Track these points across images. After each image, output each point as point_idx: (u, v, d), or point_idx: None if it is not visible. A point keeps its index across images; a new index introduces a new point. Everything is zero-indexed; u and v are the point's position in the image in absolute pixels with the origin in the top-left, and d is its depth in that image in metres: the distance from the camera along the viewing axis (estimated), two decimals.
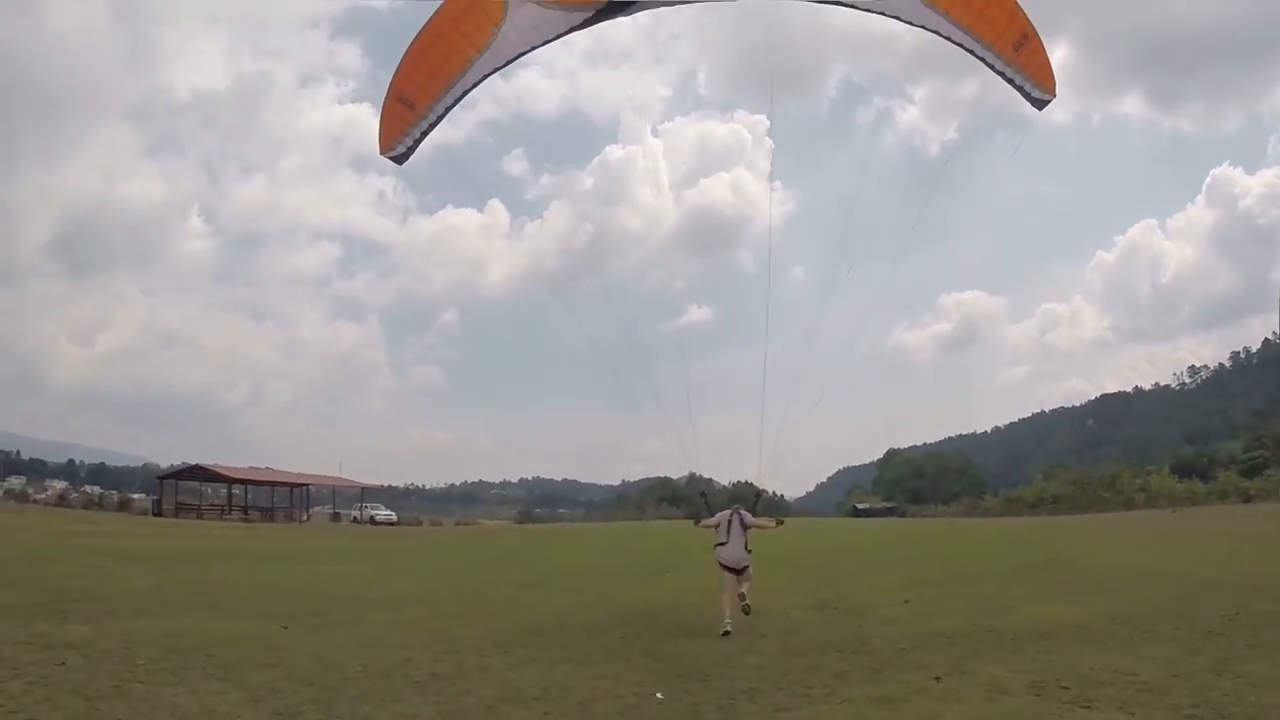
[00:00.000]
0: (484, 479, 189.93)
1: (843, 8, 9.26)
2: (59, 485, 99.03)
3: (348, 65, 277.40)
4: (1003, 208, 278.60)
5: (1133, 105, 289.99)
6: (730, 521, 11.13)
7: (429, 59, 9.01)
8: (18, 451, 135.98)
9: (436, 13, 8.91)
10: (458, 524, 76.99)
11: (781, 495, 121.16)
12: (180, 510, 59.34)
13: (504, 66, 9.26)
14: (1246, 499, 50.60)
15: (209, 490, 65.56)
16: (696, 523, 12.07)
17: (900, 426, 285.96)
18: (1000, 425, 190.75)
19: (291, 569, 19.42)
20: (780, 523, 12.26)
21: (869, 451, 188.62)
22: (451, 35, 8.91)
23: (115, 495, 73.03)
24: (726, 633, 10.58)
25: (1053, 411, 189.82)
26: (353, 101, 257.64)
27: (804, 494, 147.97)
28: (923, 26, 9.06)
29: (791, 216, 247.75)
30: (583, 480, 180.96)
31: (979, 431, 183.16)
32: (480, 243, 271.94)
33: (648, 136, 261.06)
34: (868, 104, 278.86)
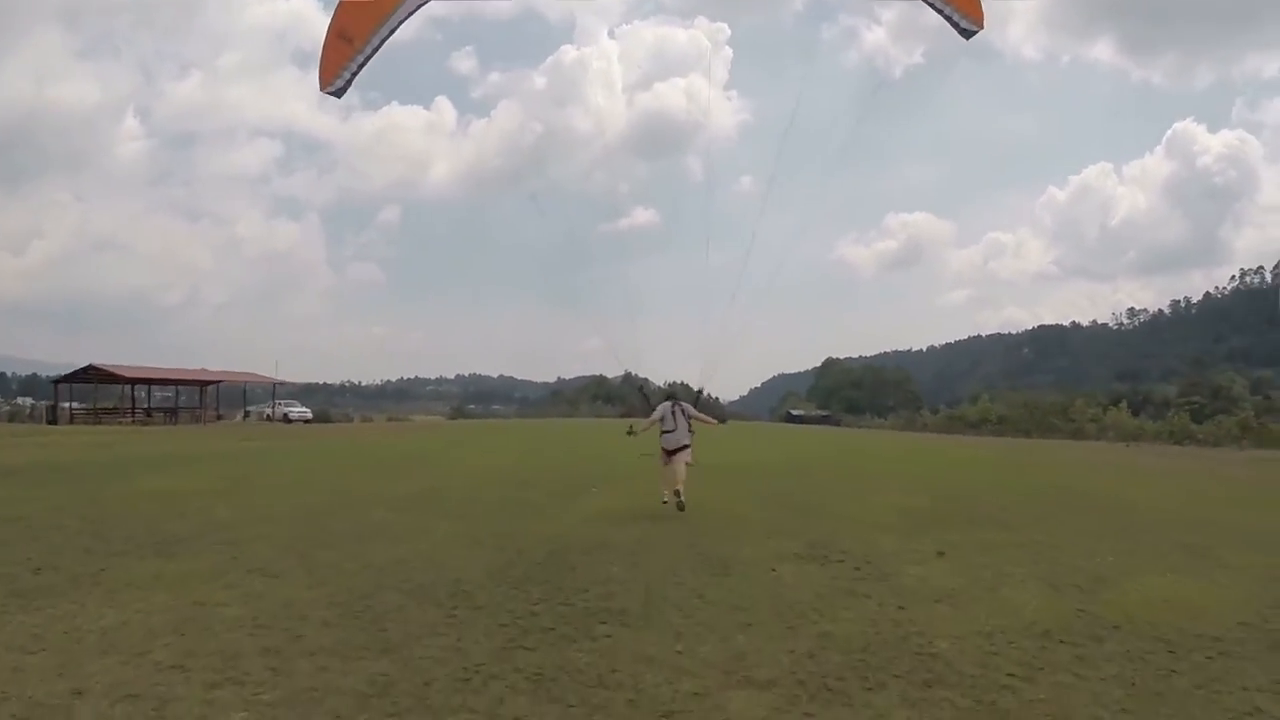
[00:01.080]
0: (420, 375, 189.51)
1: None
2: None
3: None
4: (960, 135, 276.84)
5: (1104, 51, 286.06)
6: (673, 413, 11.33)
7: None
8: None
9: None
10: (389, 420, 73.67)
11: (716, 398, 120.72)
12: (75, 416, 54.15)
13: None
14: (1196, 442, 49.22)
15: (120, 392, 59.45)
16: (631, 431, 11.88)
17: (838, 338, 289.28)
18: (936, 345, 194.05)
19: (113, 485, 14.52)
20: (723, 421, 12.13)
21: (805, 360, 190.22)
22: None
23: (43, 405, 66.36)
24: (665, 502, 11.30)
25: (989, 336, 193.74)
26: None
27: (738, 397, 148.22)
28: None
29: (746, 126, 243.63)
30: (519, 377, 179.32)
31: (915, 349, 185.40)
32: (425, 140, 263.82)
33: (604, 38, 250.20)
34: (833, 21, 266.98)
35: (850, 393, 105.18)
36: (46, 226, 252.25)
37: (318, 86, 9.41)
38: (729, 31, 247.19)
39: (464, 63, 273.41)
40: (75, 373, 55.71)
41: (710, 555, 8.52)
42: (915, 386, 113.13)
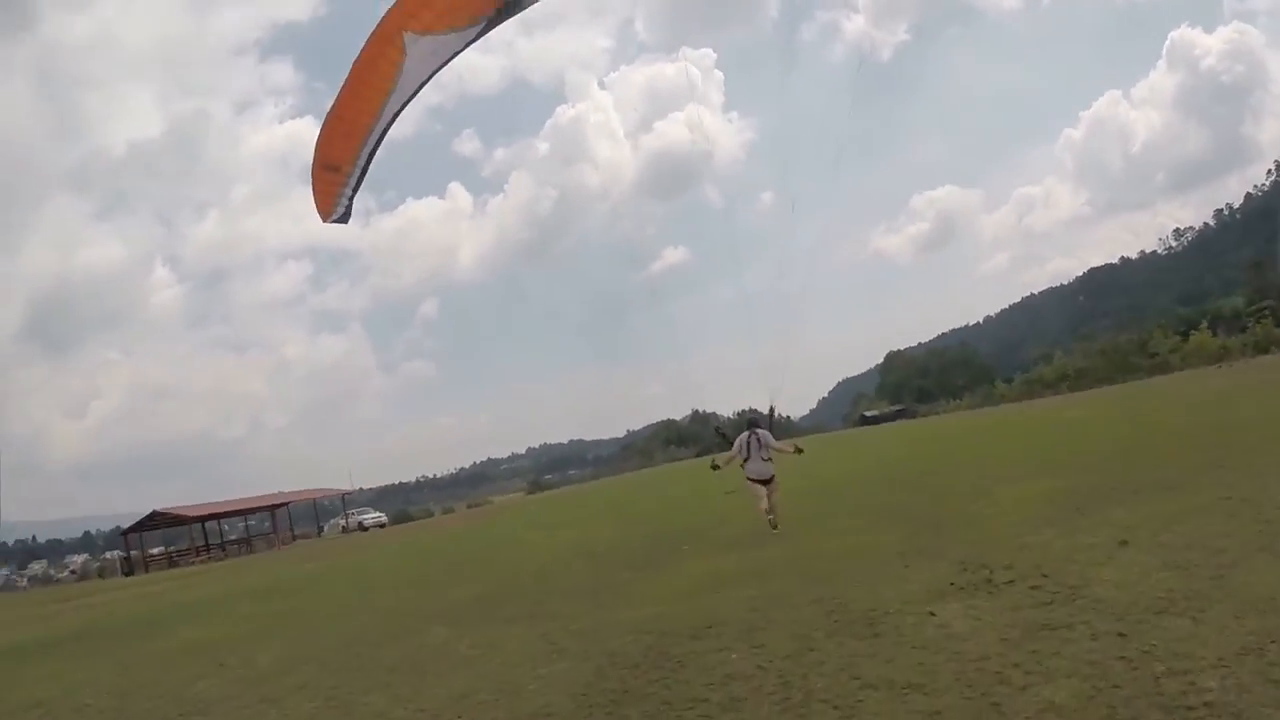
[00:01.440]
0: (492, 456, 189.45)
1: None
2: (79, 559, 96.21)
3: (282, 83, 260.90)
4: (964, 101, 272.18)
5: None
6: (749, 443, 10.95)
7: (344, 120, 9.12)
8: (33, 537, 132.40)
9: (345, 81, 8.96)
10: (469, 506, 71.93)
11: (787, 416, 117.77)
12: (150, 563, 52.78)
13: (412, 98, 9.24)
14: None
15: (189, 532, 58.34)
16: (714, 466, 11.52)
17: (892, 331, 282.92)
18: (991, 314, 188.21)
19: (149, 644, 13.38)
20: (799, 450, 11.48)
21: (865, 360, 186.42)
22: (361, 91, 8.98)
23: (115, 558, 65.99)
24: (775, 527, 11.09)
25: (1041, 293, 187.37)
26: (293, 117, 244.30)
27: (807, 412, 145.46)
28: None
29: (752, 144, 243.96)
30: (588, 438, 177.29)
31: (970, 324, 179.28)
32: (446, 228, 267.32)
33: (595, 90, 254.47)
34: (810, 19, 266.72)
35: (919, 382, 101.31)
36: (101, 386, 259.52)
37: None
38: (714, 55, 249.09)
39: (468, 145, 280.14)
40: (141, 521, 54.42)
41: (846, 609, 6.77)
42: (981, 360, 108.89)
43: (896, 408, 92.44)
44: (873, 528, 10.97)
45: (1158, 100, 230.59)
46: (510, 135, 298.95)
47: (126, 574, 50.84)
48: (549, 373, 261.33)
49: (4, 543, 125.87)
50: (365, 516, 60.33)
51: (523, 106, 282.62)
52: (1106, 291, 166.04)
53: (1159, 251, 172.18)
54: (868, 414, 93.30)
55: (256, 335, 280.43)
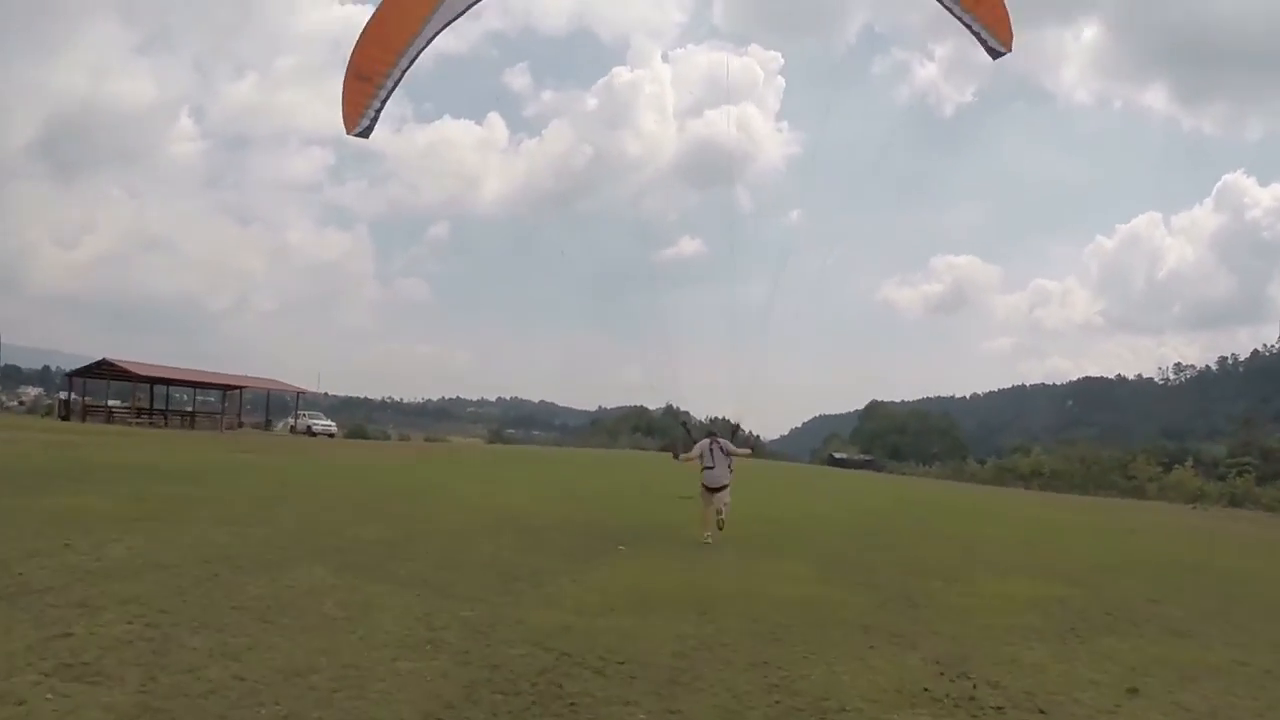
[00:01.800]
0: (462, 396, 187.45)
1: None
2: (33, 392, 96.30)
3: None
4: (1010, 177, 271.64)
5: (1156, 98, 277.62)
6: (711, 450, 11.67)
7: (383, 31, 9.02)
8: None
9: None
10: (426, 439, 70.88)
11: (758, 435, 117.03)
12: (88, 412, 51.19)
13: (454, 20, 9.21)
14: (1262, 507, 45.11)
15: (133, 390, 56.76)
16: (675, 456, 12.23)
17: (880, 381, 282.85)
18: (979, 393, 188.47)
19: (17, 499, 11.87)
20: (751, 450, 13.30)
21: (847, 402, 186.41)
22: (404, 4, 8.97)
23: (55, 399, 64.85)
24: (707, 542, 11.47)
25: (1033, 386, 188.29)
26: (354, 2, 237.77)
27: (778, 436, 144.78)
28: None
29: (794, 159, 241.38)
30: (559, 404, 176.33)
31: (958, 396, 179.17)
32: (476, 156, 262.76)
33: (657, 61, 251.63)
34: (886, 54, 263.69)
35: (895, 438, 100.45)
36: (98, 222, 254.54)
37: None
38: (781, 61, 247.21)
39: (518, 79, 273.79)
40: (88, 367, 52.43)
41: (793, 689, 5.42)
42: (961, 434, 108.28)
43: (865, 456, 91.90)
44: (834, 581, 9.65)
45: (1196, 234, 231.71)
46: (562, 80, 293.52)
47: (62, 418, 49.58)
48: (537, 328, 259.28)
49: None
50: (316, 421, 58.24)
51: (582, 57, 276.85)
52: (1096, 403, 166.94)
53: (1156, 379, 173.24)
54: (836, 455, 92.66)
55: (264, 212, 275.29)
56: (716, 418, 16.70)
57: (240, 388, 60.48)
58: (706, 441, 11.79)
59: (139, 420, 50.37)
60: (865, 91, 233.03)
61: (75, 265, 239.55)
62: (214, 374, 59.87)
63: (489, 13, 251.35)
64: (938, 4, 9.03)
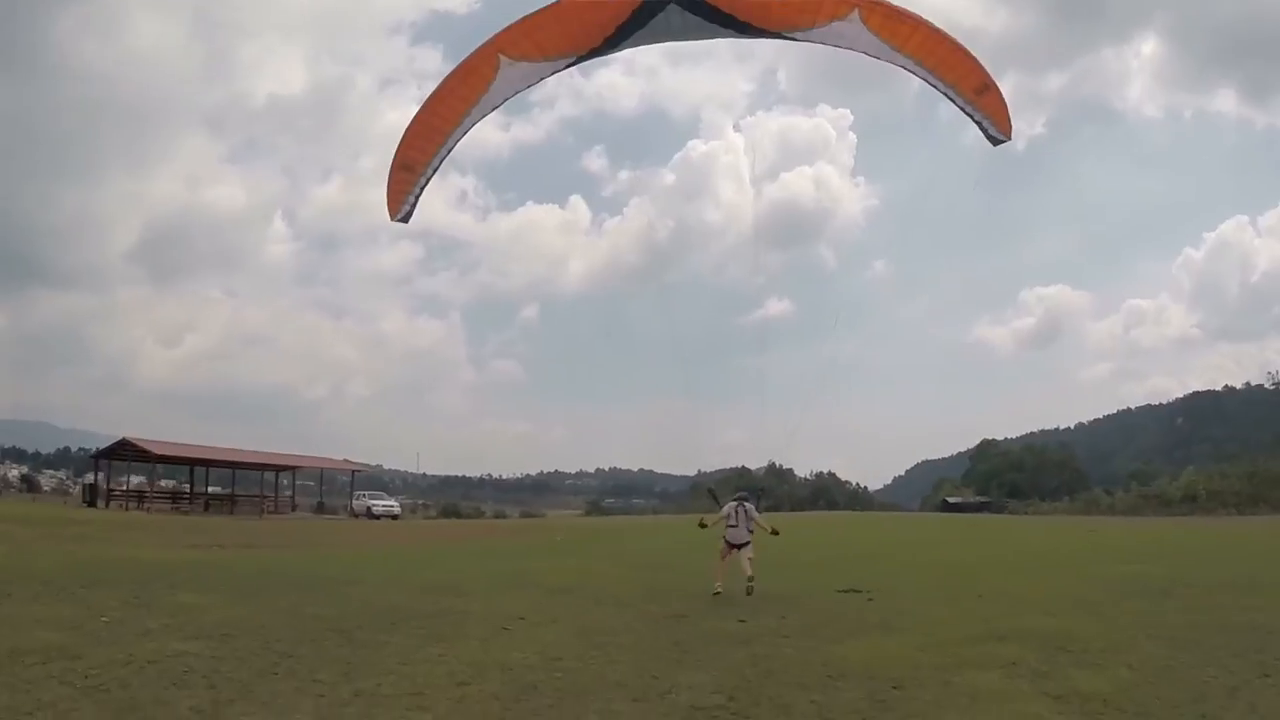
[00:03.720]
0: (560, 469, 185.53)
1: None
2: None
3: (428, 68, 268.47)
4: (1090, 202, 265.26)
5: (1225, 102, 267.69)
6: (736, 512, 12.52)
7: (427, 124, 9.72)
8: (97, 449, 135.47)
9: (435, 91, 9.77)
10: (522, 515, 69.59)
11: (865, 487, 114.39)
12: (112, 498, 48.38)
13: (491, 112, 9.97)
14: None
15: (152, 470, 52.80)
16: (703, 524, 12.92)
17: (980, 421, 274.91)
18: (1084, 421, 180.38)
19: None
20: (775, 532, 12.94)
21: (948, 445, 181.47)
22: (448, 100, 9.64)
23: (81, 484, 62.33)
24: (717, 593, 12.05)
25: (1139, 409, 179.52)
26: None
27: (881, 486, 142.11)
28: (890, 61, 9.53)
29: (873, 211, 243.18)
30: (658, 470, 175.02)
31: (1062, 427, 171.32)
32: (560, 239, 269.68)
33: (729, 131, 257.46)
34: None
35: (1012, 475, 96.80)
36: (199, 321, 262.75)
37: (387, 217, 10.26)
38: (851, 118, 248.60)
39: (595, 162, 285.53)
40: (111, 447, 48.84)
41: None
42: (1080, 465, 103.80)
43: (981, 499, 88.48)
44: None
45: None
46: (638, 160, 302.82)
47: (88, 503, 46.71)
48: (632, 399, 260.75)
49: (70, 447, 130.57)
50: (378, 502, 53.79)
51: (655, 134, 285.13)
52: (1207, 417, 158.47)
53: (1266, 386, 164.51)
54: (950, 500, 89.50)
55: (357, 304, 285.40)
56: (752, 487, 17.75)
57: (293, 468, 56.49)
58: (733, 504, 12.62)
59: (151, 505, 46.05)
60: (935, 138, 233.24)
61: (177, 361, 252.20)
62: (249, 453, 54.09)
63: (563, 100, 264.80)
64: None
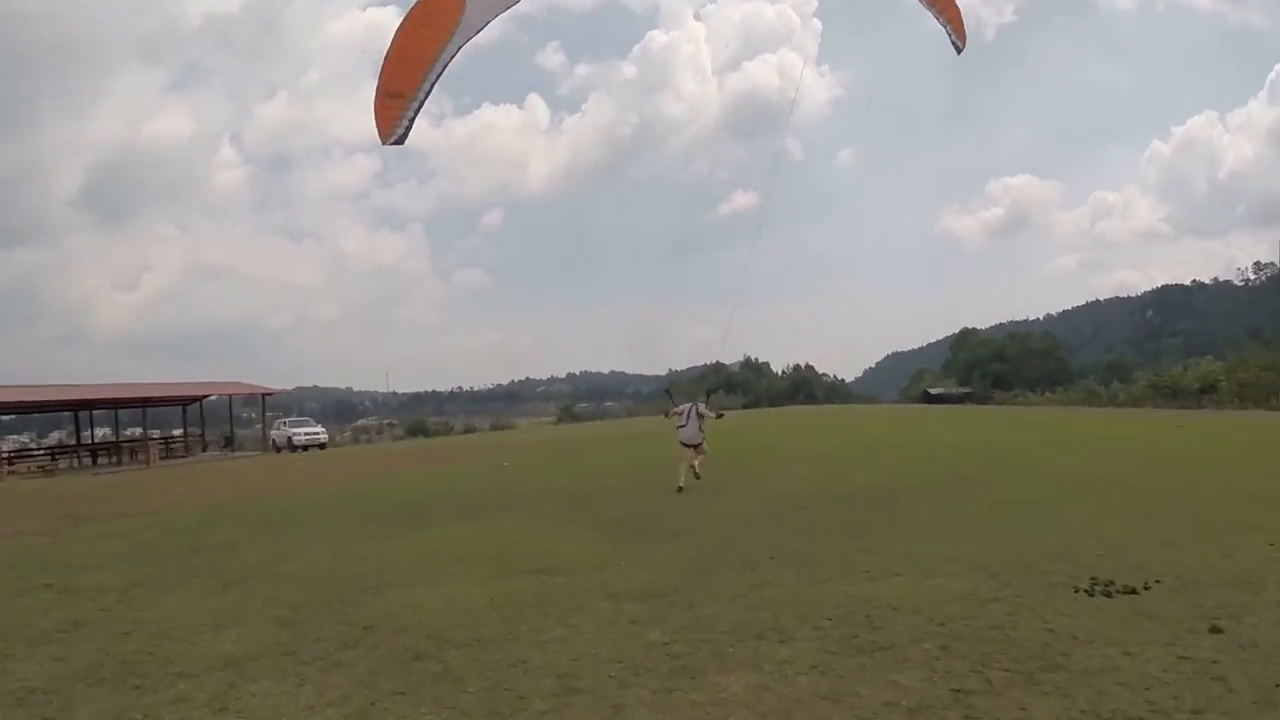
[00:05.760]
0: (531, 377, 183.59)
1: None
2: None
3: None
4: (1057, 93, 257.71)
5: None
6: (688, 412, 14.06)
7: (408, 51, 9.18)
8: None
9: (405, 23, 9.11)
10: (493, 428, 65.02)
11: (843, 379, 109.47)
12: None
13: (473, 36, 9.43)
14: None
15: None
16: (667, 415, 14.79)
17: (949, 312, 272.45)
18: (1053, 313, 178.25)
19: None
20: (720, 415, 15.29)
21: (920, 336, 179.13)
22: (422, 32, 9.13)
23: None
24: (680, 489, 13.25)
25: (1108, 300, 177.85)
26: (376, 5, 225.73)
27: (853, 378, 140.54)
28: None
29: (839, 100, 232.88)
30: (630, 372, 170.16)
31: (1031, 318, 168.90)
32: (519, 140, 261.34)
33: (690, 20, 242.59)
34: None
35: (994, 366, 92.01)
36: (154, 260, 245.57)
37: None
38: (815, 3, 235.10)
39: (551, 58, 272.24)
40: None
41: None
42: (1063, 354, 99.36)
43: (964, 390, 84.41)
44: None
45: (1253, 130, 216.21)
46: (596, 54, 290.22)
47: None
48: (599, 300, 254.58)
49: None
50: (299, 430, 44.33)
51: (613, 27, 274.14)
52: (1177, 311, 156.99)
53: (1235, 281, 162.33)
54: (932, 391, 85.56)
55: (315, 226, 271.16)
56: (722, 380, 15.56)
57: (199, 398, 46.19)
58: (688, 404, 14.34)
59: (24, 467, 36.07)
60: (903, 25, 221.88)
61: (138, 305, 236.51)
62: (126, 385, 45.13)
63: None
64: None
